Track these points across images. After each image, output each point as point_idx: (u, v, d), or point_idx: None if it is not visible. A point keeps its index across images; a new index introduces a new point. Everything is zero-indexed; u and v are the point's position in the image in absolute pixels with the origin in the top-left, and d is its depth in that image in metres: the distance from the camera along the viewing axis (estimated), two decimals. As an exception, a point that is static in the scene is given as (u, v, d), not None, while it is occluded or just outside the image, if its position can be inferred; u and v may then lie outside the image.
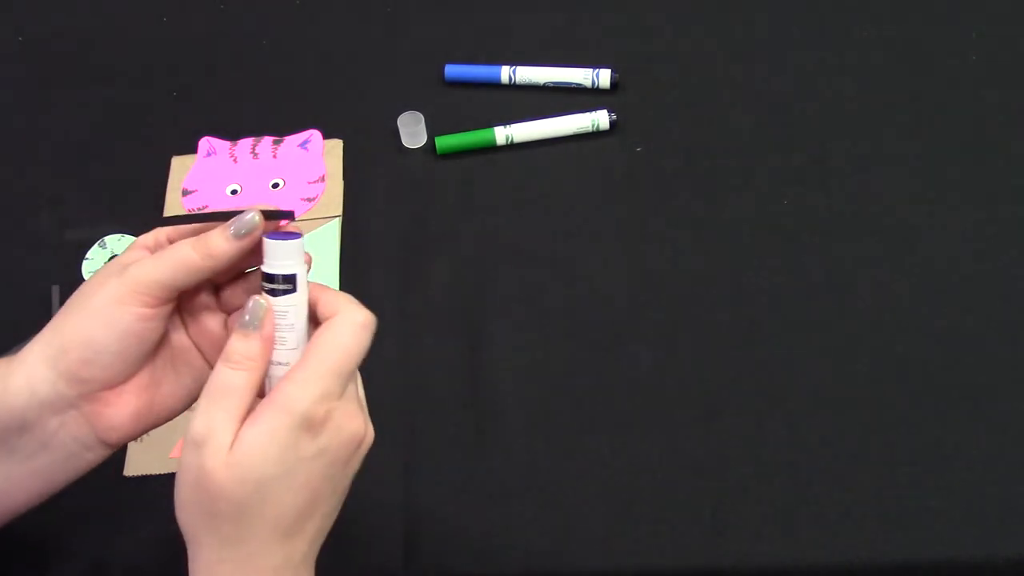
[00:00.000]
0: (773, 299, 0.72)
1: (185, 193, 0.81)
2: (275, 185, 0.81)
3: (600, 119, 0.81)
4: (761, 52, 0.86)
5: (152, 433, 0.68)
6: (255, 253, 0.50)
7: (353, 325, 0.49)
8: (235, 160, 0.83)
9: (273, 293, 0.49)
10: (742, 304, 0.72)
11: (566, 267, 0.75)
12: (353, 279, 0.75)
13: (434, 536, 0.64)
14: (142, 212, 0.80)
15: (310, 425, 0.47)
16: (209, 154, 0.83)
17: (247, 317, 0.48)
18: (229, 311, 0.53)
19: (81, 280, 0.76)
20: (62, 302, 0.74)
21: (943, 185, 0.77)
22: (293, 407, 0.46)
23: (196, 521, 0.47)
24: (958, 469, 0.64)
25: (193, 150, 0.83)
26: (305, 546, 0.49)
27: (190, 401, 0.53)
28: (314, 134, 0.83)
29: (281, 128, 0.84)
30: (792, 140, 0.80)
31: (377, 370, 0.70)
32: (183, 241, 0.50)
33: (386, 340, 0.72)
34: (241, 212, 0.49)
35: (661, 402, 0.68)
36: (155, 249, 0.51)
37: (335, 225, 0.78)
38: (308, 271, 0.50)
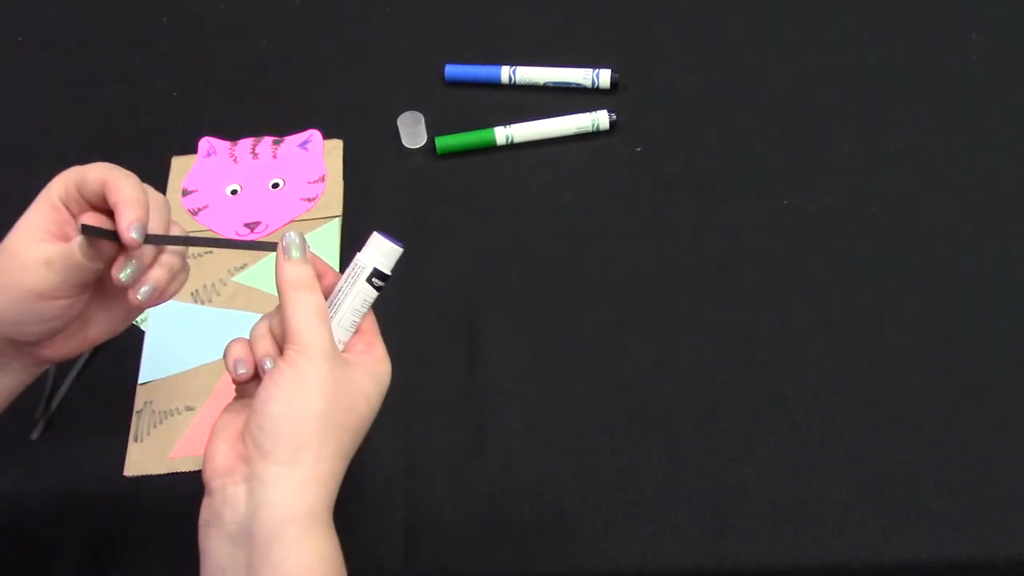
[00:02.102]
0: (773, 299, 0.72)
1: (185, 193, 0.81)
2: (275, 185, 0.81)
3: (600, 119, 0.81)
4: (761, 52, 0.86)
5: (152, 433, 0.69)
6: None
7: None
8: (235, 160, 0.83)
9: (371, 284, 0.54)
10: (742, 304, 0.72)
11: (566, 267, 0.75)
12: (353, 279, 0.75)
13: (434, 536, 0.64)
14: (142, 212, 0.80)
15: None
16: (209, 154, 0.83)
17: (294, 249, 0.52)
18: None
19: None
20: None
21: (943, 185, 0.77)
22: (388, 361, 0.55)
23: (324, 430, 0.49)
24: (958, 469, 0.64)
25: (193, 150, 0.83)
26: None
27: (123, 326, 0.57)
28: (314, 134, 0.83)
29: (281, 128, 0.84)
30: (792, 140, 0.81)
31: (377, 370, 0.71)
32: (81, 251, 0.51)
33: (386, 340, 0.72)
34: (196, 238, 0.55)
35: (661, 402, 0.68)
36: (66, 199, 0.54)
37: (335, 225, 0.78)
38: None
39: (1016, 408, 0.66)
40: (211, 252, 0.77)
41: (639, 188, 0.79)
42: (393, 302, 0.74)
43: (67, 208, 0.54)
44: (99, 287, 0.55)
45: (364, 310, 0.55)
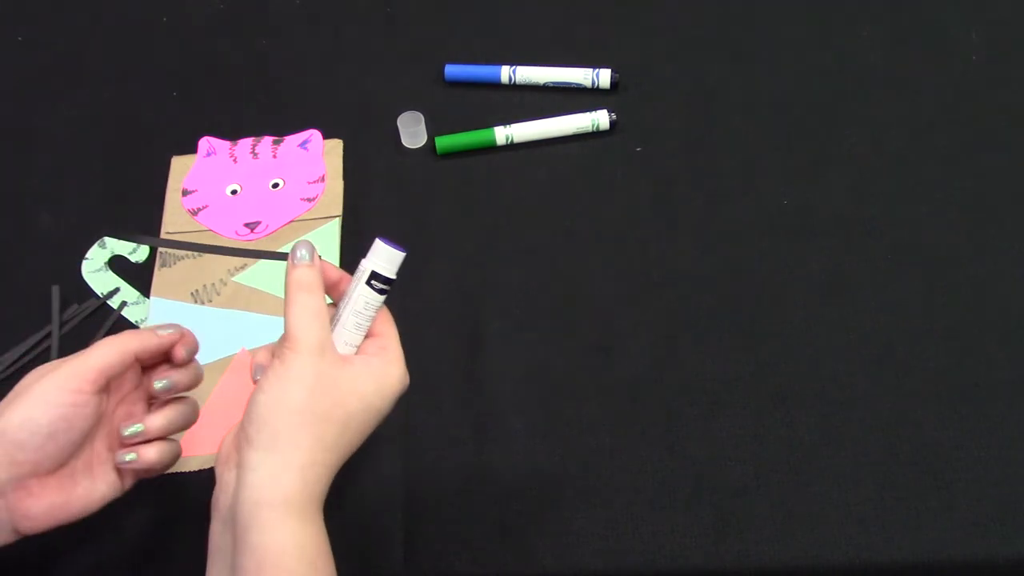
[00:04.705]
0: (773, 299, 0.72)
1: (185, 193, 0.81)
2: (275, 185, 0.81)
3: (600, 119, 0.81)
4: (761, 52, 0.86)
5: (152, 433, 0.68)
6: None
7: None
8: (235, 160, 0.83)
9: (371, 287, 0.56)
10: (742, 304, 0.72)
11: (566, 267, 0.75)
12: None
13: (434, 536, 0.64)
14: (142, 212, 0.80)
15: (403, 385, 0.56)
16: (209, 154, 0.83)
17: (299, 255, 0.55)
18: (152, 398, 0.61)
19: (81, 280, 0.76)
20: (62, 302, 0.74)
21: (943, 185, 0.77)
22: (400, 364, 0.56)
23: (302, 421, 0.51)
24: (958, 469, 0.64)
25: (193, 150, 0.83)
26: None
27: (98, 506, 0.58)
28: (314, 134, 0.83)
29: (281, 128, 0.84)
30: (792, 140, 0.81)
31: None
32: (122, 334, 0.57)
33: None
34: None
35: (661, 402, 0.68)
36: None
37: (335, 225, 0.78)
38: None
39: (1016, 408, 0.66)
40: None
41: (639, 188, 0.79)
42: (393, 302, 0.74)
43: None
44: (87, 450, 0.58)
45: (369, 312, 0.56)
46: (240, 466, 0.52)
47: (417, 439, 0.67)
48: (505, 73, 0.85)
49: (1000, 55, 0.85)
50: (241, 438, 0.52)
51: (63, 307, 0.75)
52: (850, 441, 0.65)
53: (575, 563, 0.62)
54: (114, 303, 0.75)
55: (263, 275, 0.75)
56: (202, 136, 0.84)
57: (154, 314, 0.74)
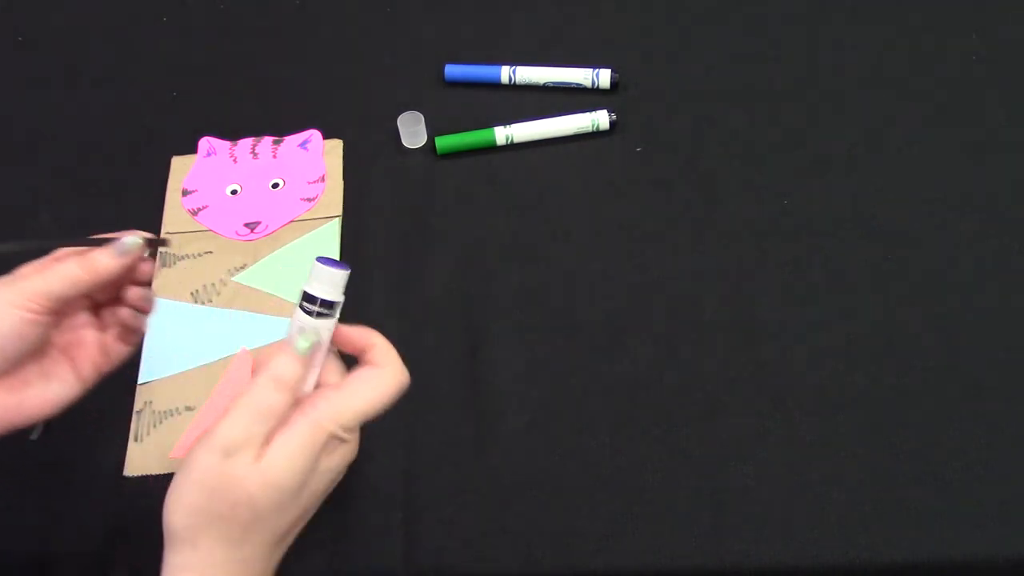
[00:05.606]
0: (773, 299, 0.72)
1: (185, 193, 0.81)
2: (275, 185, 0.81)
3: (600, 119, 0.81)
4: (761, 52, 0.86)
5: (152, 433, 0.69)
6: (131, 272, 0.59)
7: (400, 387, 0.54)
8: (235, 160, 0.83)
9: (309, 313, 0.52)
10: (742, 304, 0.72)
11: (566, 267, 0.75)
12: (353, 279, 0.75)
13: (434, 536, 0.64)
14: (142, 212, 0.80)
15: (334, 446, 0.51)
16: (209, 154, 0.83)
17: (303, 344, 0.52)
18: (104, 328, 0.61)
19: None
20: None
21: (943, 185, 0.77)
22: (325, 426, 0.51)
23: (200, 523, 0.49)
24: (958, 469, 0.64)
25: (193, 150, 0.83)
26: (284, 551, 0.52)
27: (53, 409, 0.58)
28: (314, 134, 0.83)
29: (281, 128, 0.84)
30: (792, 140, 0.81)
31: (377, 370, 0.71)
32: (70, 258, 0.57)
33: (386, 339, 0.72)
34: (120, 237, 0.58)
35: (661, 402, 0.68)
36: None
37: (335, 225, 0.78)
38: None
39: (1016, 408, 0.66)
40: (211, 252, 0.77)
41: (639, 188, 0.79)
42: (394, 302, 0.74)
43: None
44: (42, 355, 0.58)
45: (325, 343, 0.53)
46: None
47: (417, 439, 0.67)
48: (505, 73, 0.85)
49: (1000, 55, 0.85)
50: None
51: (63, 307, 0.74)
52: (850, 441, 0.65)
53: (575, 563, 0.62)
54: (114, 303, 0.75)
55: (263, 275, 0.75)
56: (202, 136, 0.84)
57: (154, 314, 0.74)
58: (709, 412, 0.67)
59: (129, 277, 0.60)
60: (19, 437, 0.69)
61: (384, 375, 0.54)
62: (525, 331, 0.72)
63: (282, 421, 0.51)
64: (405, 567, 0.63)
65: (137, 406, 0.70)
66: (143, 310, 0.62)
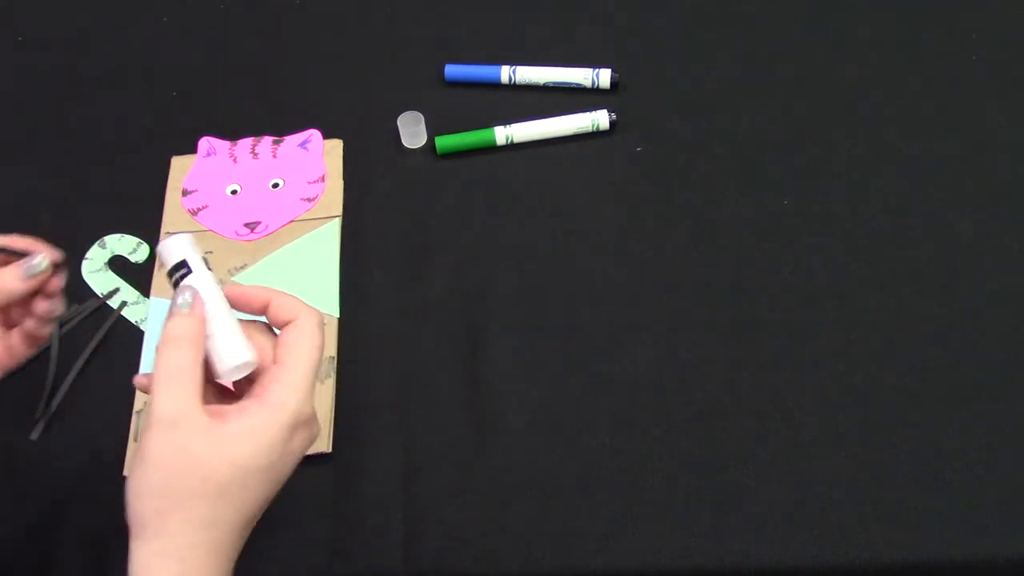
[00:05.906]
0: (773, 299, 0.72)
1: (185, 193, 0.81)
2: (275, 185, 0.81)
3: (600, 119, 0.81)
4: (761, 52, 0.86)
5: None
6: (40, 287, 0.58)
7: (317, 326, 0.52)
8: (235, 160, 0.83)
9: (174, 284, 0.52)
10: (742, 304, 0.72)
11: (566, 267, 0.75)
12: (353, 279, 0.75)
13: (434, 536, 0.64)
14: (142, 212, 0.80)
15: (297, 424, 0.50)
16: (209, 154, 0.83)
17: (179, 301, 0.51)
18: (10, 329, 0.61)
19: (81, 280, 0.76)
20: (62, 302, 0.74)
21: (943, 185, 0.77)
22: (287, 406, 0.49)
23: (167, 505, 0.48)
24: (958, 469, 0.64)
25: (193, 150, 0.83)
26: (247, 535, 0.51)
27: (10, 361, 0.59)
28: (314, 134, 0.83)
29: (281, 128, 0.84)
30: (792, 140, 0.81)
31: (377, 370, 0.71)
32: None
33: (386, 340, 0.72)
34: (31, 255, 0.57)
35: (661, 402, 0.68)
36: None
37: (335, 225, 0.78)
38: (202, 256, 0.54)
39: (1016, 408, 0.66)
40: (211, 252, 0.77)
41: (639, 188, 0.79)
42: (394, 302, 0.74)
43: None
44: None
45: (208, 295, 0.52)
46: None
47: (417, 438, 0.67)
48: (505, 73, 0.85)
49: (1000, 55, 0.85)
50: None
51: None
52: (850, 441, 0.65)
53: (575, 563, 0.62)
54: (114, 303, 0.75)
55: (263, 275, 0.75)
56: (202, 136, 0.84)
57: (154, 314, 0.74)
58: (709, 412, 0.67)
59: (37, 290, 0.59)
60: (20, 437, 0.69)
61: (304, 325, 0.52)
62: (525, 331, 0.72)
63: (199, 380, 0.49)
64: (405, 567, 0.62)
65: (137, 406, 0.70)
66: (48, 320, 0.61)
